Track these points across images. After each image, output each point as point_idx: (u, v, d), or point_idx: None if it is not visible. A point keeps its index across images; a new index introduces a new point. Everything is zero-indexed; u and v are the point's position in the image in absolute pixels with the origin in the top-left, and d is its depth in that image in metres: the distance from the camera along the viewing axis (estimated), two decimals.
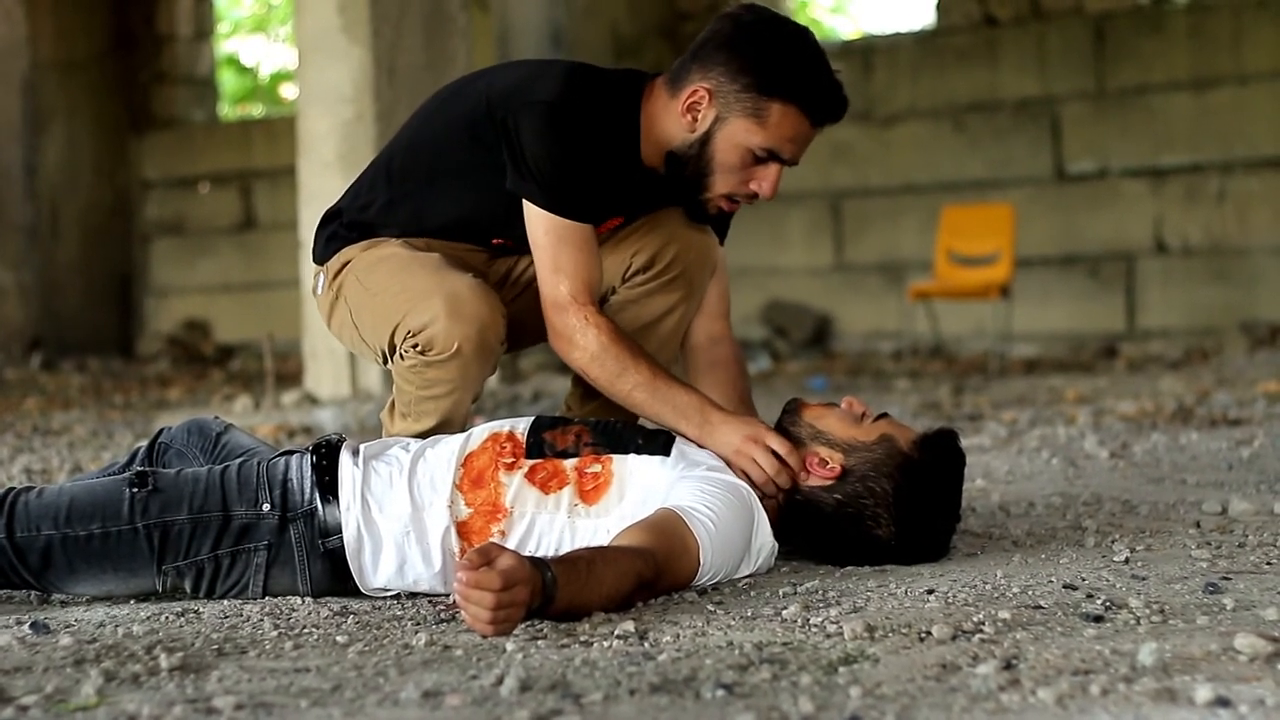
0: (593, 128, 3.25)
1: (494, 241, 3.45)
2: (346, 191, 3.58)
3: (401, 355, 3.28)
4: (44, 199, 14.21)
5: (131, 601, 2.88)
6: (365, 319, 3.37)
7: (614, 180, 3.34)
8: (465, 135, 3.33)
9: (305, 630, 2.58)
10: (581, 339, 3.23)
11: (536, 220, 3.26)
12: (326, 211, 3.57)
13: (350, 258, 3.43)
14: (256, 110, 20.32)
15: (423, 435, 3.19)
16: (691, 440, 3.12)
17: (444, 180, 3.38)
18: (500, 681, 2.15)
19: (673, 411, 3.17)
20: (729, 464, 3.06)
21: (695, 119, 3.22)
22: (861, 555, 3.06)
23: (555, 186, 3.22)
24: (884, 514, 3.01)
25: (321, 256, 3.52)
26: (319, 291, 3.53)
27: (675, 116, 3.25)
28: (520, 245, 3.37)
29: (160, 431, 3.40)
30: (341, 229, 3.49)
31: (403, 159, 3.45)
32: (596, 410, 3.47)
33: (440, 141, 3.39)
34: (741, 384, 3.53)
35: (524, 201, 3.26)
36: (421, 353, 3.23)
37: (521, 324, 3.37)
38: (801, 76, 3.18)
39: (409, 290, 3.25)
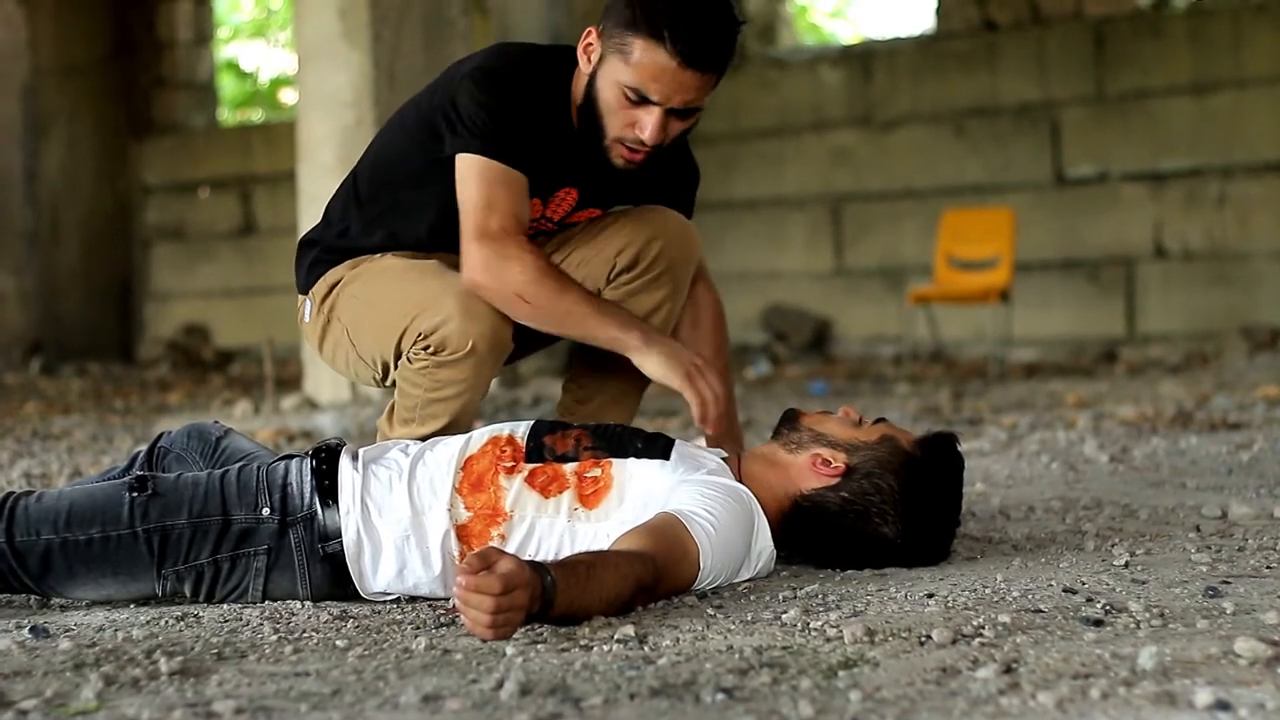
0: (523, 89, 3.28)
1: None
2: (320, 221, 3.58)
3: (409, 359, 3.28)
4: (44, 204, 14.22)
5: (131, 606, 2.88)
6: (365, 332, 3.37)
7: (551, 145, 3.34)
8: (420, 138, 3.35)
9: (305, 634, 2.58)
10: (519, 265, 3.19)
11: (469, 167, 3.25)
12: (302, 240, 3.57)
13: (339, 278, 3.43)
14: (256, 115, 20.31)
15: (428, 439, 3.19)
16: (633, 354, 3.16)
17: (410, 192, 3.39)
18: (500, 685, 2.15)
19: (618, 325, 3.20)
20: (687, 383, 3.14)
21: (589, 60, 3.25)
22: (866, 556, 3.06)
23: (491, 135, 3.23)
24: (891, 511, 3.00)
25: (305, 284, 3.52)
26: (307, 319, 3.53)
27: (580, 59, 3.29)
28: None
29: (160, 436, 3.40)
30: (322, 254, 3.49)
31: (369, 181, 3.45)
32: (590, 417, 3.48)
33: (400, 155, 3.40)
34: (720, 335, 3.69)
35: (457, 160, 3.27)
36: (434, 353, 3.22)
37: (519, 332, 3.37)
38: (666, 14, 3.13)
39: (415, 295, 3.25)
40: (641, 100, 3.19)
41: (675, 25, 3.12)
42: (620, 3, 3.19)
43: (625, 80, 3.17)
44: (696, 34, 3.14)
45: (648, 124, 3.20)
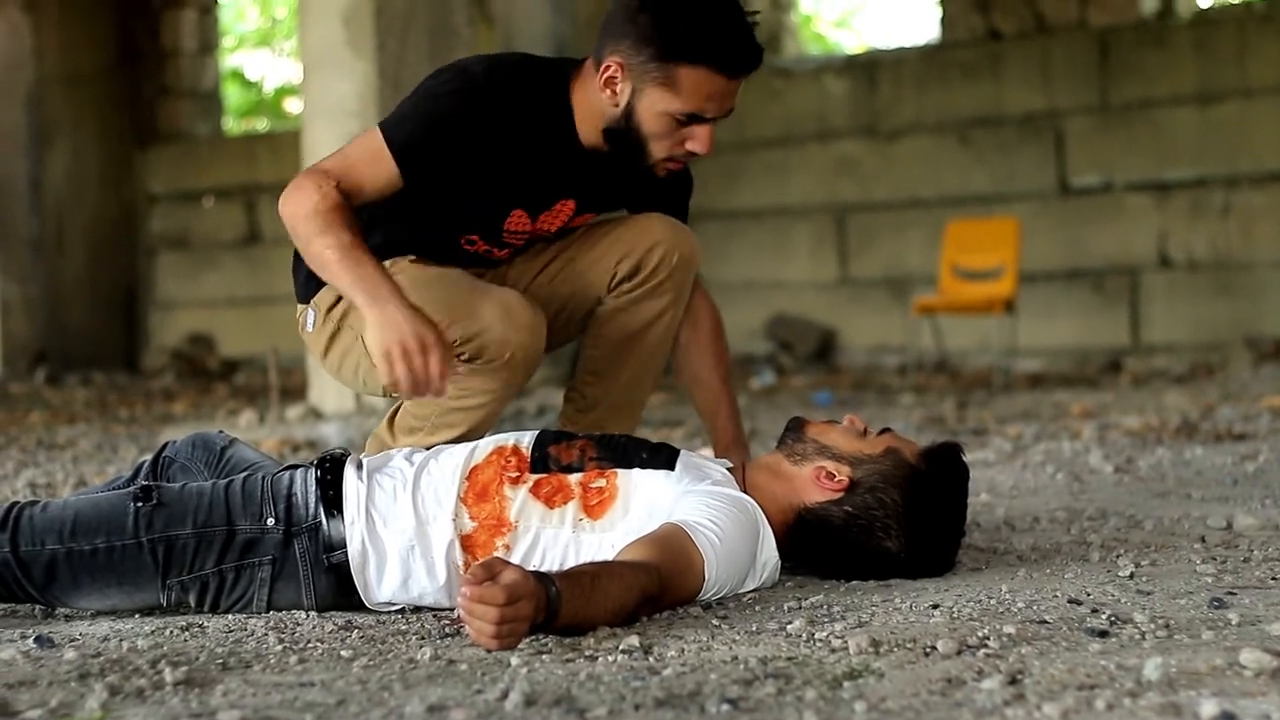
0: (515, 112, 3.26)
1: (465, 239, 3.44)
2: None
3: None
4: (49, 212, 14.23)
5: (136, 616, 2.88)
6: None
7: (546, 159, 3.33)
8: None
9: (310, 644, 2.58)
10: (306, 198, 3.16)
11: (368, 133, 3.27)
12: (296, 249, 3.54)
13: None
14: (261, 124, 20.35)
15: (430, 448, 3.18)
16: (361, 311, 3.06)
17: (395, 194, 3.36)
18: (505, 696, 2.15)
19: (351, 280, 3.06)
20: (383, 361, 2.96)
21: (615, 93, 3.23)
22: (870, 568, 3.06)
23: (412, 131, 3.22)
24: (894, 525, 3.00)
25: (305, 294, 3.50)
26: (310, 328, 3.50)
27: (599, 92, 3.26)
28: (488, 235, 3.40)
29: (165, 445, 3.40)
30: None
31: None
32: (592, 426, 3.48)
33: None
34: (719, 345, 3.69)
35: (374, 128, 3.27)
36: (467, 360, 3.22)
37: None
38: (701, 36, 3.15)
39: (449, 302, 3.24)
40: (694, 119, 3.22)
41: (715, 46, 3.16)
42: (638, 34, 3.17)
43: (676, 109, 3.19)
44: (735, 45, 3.19)
45: (702, 137, 3.25)
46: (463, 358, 3.23)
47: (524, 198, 3.38)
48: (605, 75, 3.22)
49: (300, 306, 3.54)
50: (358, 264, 3.07)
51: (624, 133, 3.26)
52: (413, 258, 3.42)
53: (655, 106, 3.20)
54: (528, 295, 3.41)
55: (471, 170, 3.28)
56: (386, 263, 3.41)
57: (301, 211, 3.15)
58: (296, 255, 3.52)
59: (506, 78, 3.29)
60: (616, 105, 3.24)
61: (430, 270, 3.37)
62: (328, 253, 3.10)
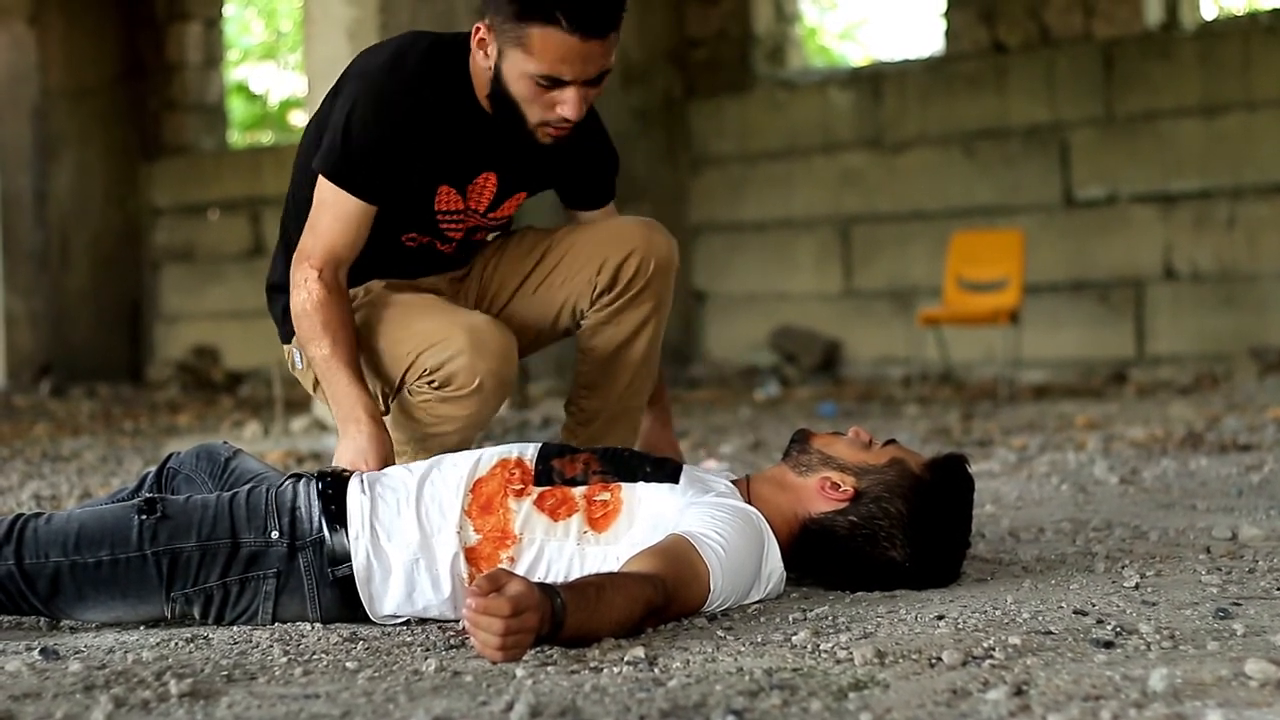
0: (418, 91, 3.26)
1: (405, 238, 3.44)
2: (273, 265, 3.56)
3: (410, 393, 3.28)
4: (54, 226, 14.25)
5: (141, 628, 2.88)
6: (366, 369, 3.35)
7: (459, 134, 3.32)
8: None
9: (315, 656, 2.58)
10: (297, 296, 3.29)
11: (320, 185, 3.30)
12: (268, 285, 3.56)
13: None
14: (266, 137, 20.36)
15: None
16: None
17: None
18: (510, 708, 2.15)
19: (332, 395, 3.27)
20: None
21: (486, 55, 3.21)
22: (875, 579, 3.06)
23: (343, 158, 3.24)
24: (899, 535, 3.00)
25: (286, 334, 3.51)
26: (299, 365, 3.52)
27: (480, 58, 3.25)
28: (424, 226, 3.40)
29: (169, 457, 3.40)
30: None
31: (294, 222, 3.44)
32: (593, 437, 3.48)
33: (304, 181, 3.40)
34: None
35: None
36: (438, 388, 3.22)
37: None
38: None
39: (421, 329, 3.25)
40: (556, 83, 3.15)
41: (562, 5, 3.07)
42: None
43: (533, 70, 3.13)
44: (582, 4, 3.10)
45: (568, 102, 3.17)
46: (433, 385, 3.23)
47: (445, 171, 3.36)
48: (477, 38, 3.22)
49: (285, 346, 3.53)
50: (335, 377, 3.25)
51: (499, 96, 3.23)
52: (384, 282, 3.42)
53: (515, 68, 3.15)
54: (507, 312, 3.42)
55: (398, 161, 3.28)
56: (360, 289, 3.41)
57: (296, 311, 3.30)
58: (268, 290, 3.51)
59: (407, 62, 3.29)
60: (489, 69, 3.22)
61: (400, 297, 3.37)
62: (317, 363, 3.28)
